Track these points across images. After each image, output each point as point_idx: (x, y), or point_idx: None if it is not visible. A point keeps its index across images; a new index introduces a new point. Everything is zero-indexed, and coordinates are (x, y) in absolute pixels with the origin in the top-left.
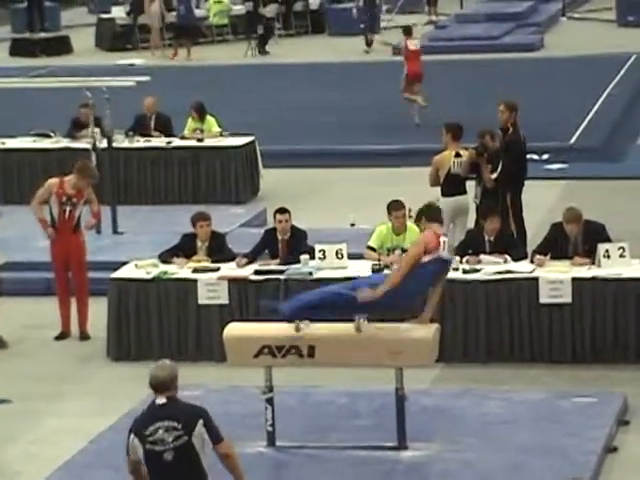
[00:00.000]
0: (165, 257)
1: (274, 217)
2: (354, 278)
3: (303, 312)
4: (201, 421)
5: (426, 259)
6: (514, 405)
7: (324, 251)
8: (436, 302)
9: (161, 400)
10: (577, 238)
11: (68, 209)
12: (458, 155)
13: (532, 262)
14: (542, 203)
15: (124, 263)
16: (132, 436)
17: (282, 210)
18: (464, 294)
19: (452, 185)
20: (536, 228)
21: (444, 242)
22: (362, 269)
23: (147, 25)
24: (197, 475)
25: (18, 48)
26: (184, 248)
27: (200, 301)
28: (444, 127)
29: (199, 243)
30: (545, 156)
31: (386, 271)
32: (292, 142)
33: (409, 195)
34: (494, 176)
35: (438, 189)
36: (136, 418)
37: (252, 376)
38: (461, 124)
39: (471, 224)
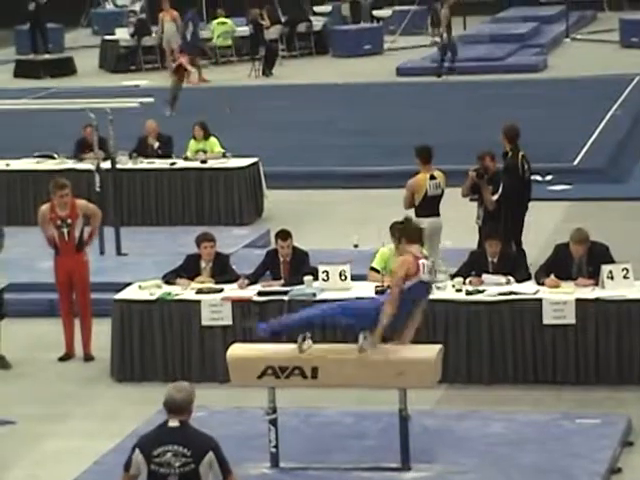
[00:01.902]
0: (169, 278)
1: (276, 241)
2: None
3: (282, 330)
4: (211, 453)
5: (407, 285)
6: (518, 426)
7: (327, 272)
8: (417, 324)
9: (174, 423)
10: (581, 259)
11: (66, 231)
12: (433, 177)
13: (542, 284)
14: (546, 224)
15: (128, 284)
16: (137, 452)
17: (284, 236)
18: (467, 315)
19: (428, 207)
20: (539, 249)
21: (423, 265)
22: (365, 290)
23: (153, 47)
24: None
25: (22, 69)
26: (188, 269)
27: (204, 322)
28: (414, 150)
29: (203, 264)
30: (549, 177)
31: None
32: (296, 163)
33: (412, 216)
34: (495, 197)
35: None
36: (144, 435)
37: (256, 397)
38: (430, 146)
39: (474, 245)
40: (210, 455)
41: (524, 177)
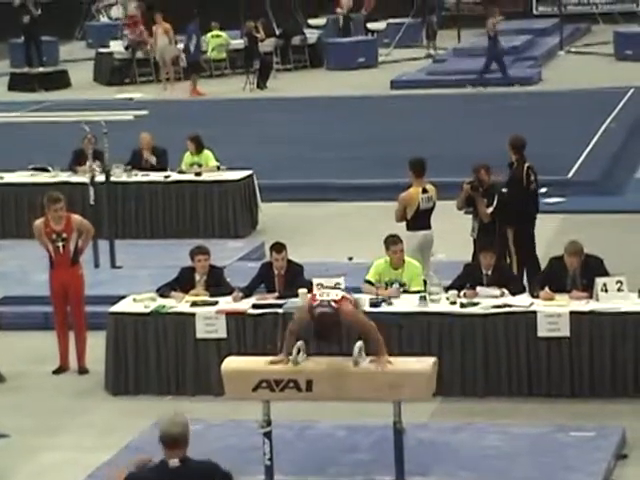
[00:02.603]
0: (163, 291)
1: (270, 253)
2: None
3: None
4: None
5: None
6: (512, 439)
7: (322, 285)
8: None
9: (174, 463)
10: (576, 272)
11: (61, 244)
12: (425, 191)
13: (536, 296)
14: (540, 237)
15: (122, 297)
16: None
17: (278, 249)
18: (462, 328)
19: (419, 220)
20: None
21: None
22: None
23: (148, 59)
24: None
25: (16, 82)
26: (182, 282)
27: (198, 335)
28: (408, 164)
29: (197, 277)
30: (543, 190)
31: (383, 305)
32: (290, 176)
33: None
34: (490, 210)
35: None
36: (142, 477)
37: (250, 410)
38: (423, 160)
39: (468, 257)
40: None
41: (529, 188)
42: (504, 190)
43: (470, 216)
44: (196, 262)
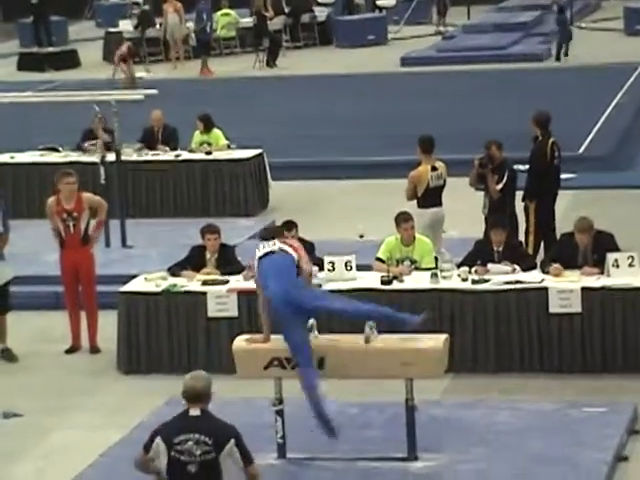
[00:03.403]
0: (174, 270)
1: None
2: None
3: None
4: (233, 441)
5: None
6: (524, 415)
7: (333, 263)
8: None
9: (195, 412)
10: (587, 248)
11: (71, 224)
12: (434, 169)
13: (547, 272)
14: None
15: (133, 276)
16: (158, 439)
17: (289, 227)
18: (473, 304)
19: (430, 198)
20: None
21: None
22: (371, 281)
23: (157, 38)
24: None
25: (26, 62)
26: (193, 260)
27: (209, 314)
28: (417, 141)
29: (208, 255)
30: None
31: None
32: (300, 154)
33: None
34: (499, 187)
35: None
36: (165, 423)
37: (262, 388)
38: (432, 137)
39: (479, 234)
40: (231, 443)
41: (552, 163)
42: (515, 167)
43: (482, 193)
44: (206, 240)
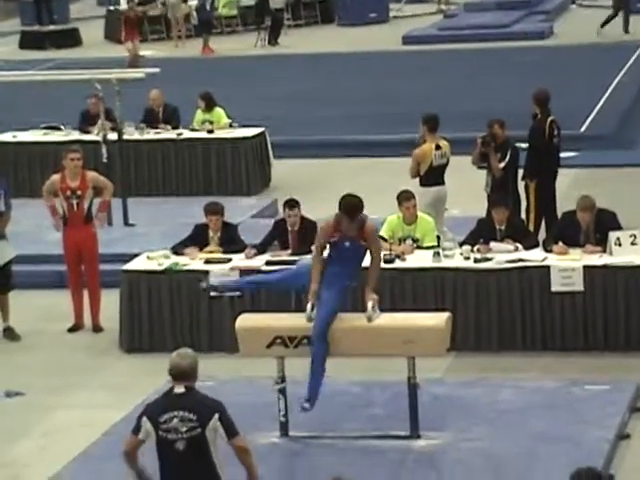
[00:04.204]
0: (177, 248)
1: (284, 210)
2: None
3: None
4: (217, 415)
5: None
6: (526, 393)
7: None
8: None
9: (180, 389)
10: (589, 226)
11: (75, 202)
12: (438, 147)
13: (549, 251)
14: None
15: (136, 255)
16: (145, 419)
17: (291, 205)
18: (476, 283)
19: (433, 176)
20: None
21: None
22: None
23: (159, 16)
24: (206, 466)
25: (27, 41)
26: (196, 239)
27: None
28: (421, 119)
29: (211, 233)
30: None
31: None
32: (302, 133)
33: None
34: (502, 165)
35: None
36: (150, 403)
37: (265, 367)
38: (437, 115)
39: (482, 213)
40: (215, 418)
41: (551, 142)
42: (517, 144)
43: (484, 171)
44: (208, 220)
